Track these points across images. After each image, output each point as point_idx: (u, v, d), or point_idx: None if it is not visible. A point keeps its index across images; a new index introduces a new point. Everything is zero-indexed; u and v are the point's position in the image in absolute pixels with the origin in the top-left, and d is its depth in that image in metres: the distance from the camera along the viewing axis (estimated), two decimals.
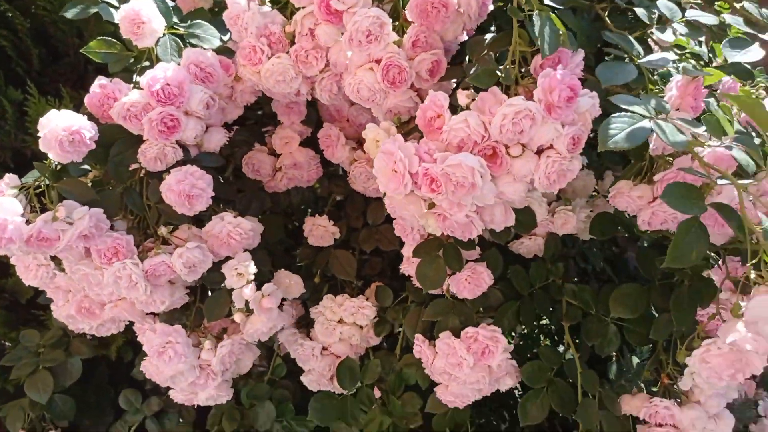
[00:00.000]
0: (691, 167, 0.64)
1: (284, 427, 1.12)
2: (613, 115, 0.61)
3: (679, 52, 0.80)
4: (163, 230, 0.86)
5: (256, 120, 1.09)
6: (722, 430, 0.82)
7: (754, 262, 0.56)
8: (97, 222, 0.78)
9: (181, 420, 1.16)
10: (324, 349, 1.02)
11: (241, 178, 1.01)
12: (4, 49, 1.07)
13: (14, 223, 0.73)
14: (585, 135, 0.65)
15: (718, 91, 0.80)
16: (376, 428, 0.96)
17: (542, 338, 1.63)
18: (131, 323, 0.93)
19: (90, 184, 0.84)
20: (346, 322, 0.99)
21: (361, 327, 1.00)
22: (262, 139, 1.01)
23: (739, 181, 0.58)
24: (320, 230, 1.01)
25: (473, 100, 0.67)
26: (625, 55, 0.71)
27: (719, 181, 0.61)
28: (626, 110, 0.61)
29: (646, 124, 0.60)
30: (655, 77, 0.72)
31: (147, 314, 0.91)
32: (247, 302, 0.87)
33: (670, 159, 0.71)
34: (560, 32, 0.62)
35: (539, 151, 0.67)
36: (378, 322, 1.01)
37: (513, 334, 1.62)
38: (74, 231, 0.76)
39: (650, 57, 0.69)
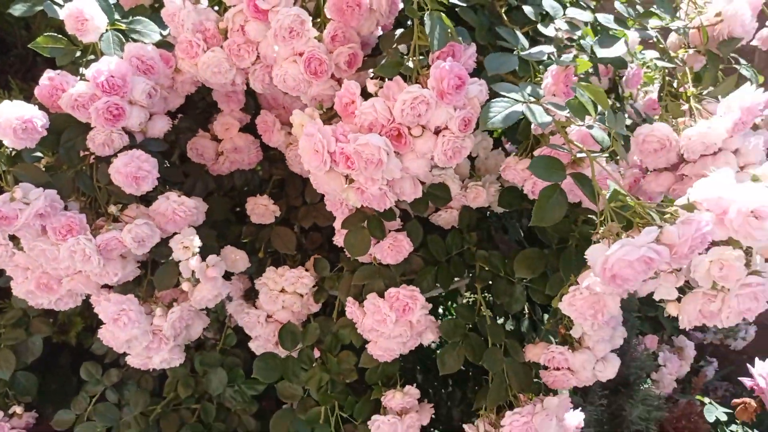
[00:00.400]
0: (563, 144, 0.76)
1: (236, 391, 1.20)
2: (493, 100, 0.72)
3: (569, 44, 0.92)
4: (113, 209, 0.93)
5: (203, 109, 1.17)
6: (609, 370, 0.96)
7: (601, 219, 0.68)
8: (51, 202, 0.85)
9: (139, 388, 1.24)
10: (268, 316, 1.10)
11: (186, 162, 1.08)
12: None
13: None
14: (474, 117, 0.76)
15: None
16: (316, 384, 1.06)
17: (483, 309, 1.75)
18: (89, 306, 0.99)
19: (43, 169, 0.91)
20: (288, 291, 1.07)
21: (301, 295, 1.08)
22: (205, 126, 1.08)
23: (593, 154, 0.70)
24: (261, 209, 1.08)
25: (381, 87, 0.77)
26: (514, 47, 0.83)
27: (579, 155, 0.73)
28: (505, 96, 0.72)
29: (518, 107, 0.71)
30: (540, 67, 0.84)
31: (102, 287, 0.97)
32: (193, 272, 0.94)
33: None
34: (449, 29, 0.73)
35: (437, 132, 0.78)
36: (317, 290, 1.10)
37: (454, 305, 1.75)
38: (31, 210, 0.83)
39: (531, 50, 0.80)
